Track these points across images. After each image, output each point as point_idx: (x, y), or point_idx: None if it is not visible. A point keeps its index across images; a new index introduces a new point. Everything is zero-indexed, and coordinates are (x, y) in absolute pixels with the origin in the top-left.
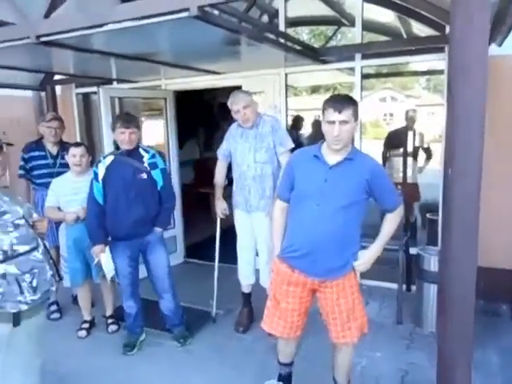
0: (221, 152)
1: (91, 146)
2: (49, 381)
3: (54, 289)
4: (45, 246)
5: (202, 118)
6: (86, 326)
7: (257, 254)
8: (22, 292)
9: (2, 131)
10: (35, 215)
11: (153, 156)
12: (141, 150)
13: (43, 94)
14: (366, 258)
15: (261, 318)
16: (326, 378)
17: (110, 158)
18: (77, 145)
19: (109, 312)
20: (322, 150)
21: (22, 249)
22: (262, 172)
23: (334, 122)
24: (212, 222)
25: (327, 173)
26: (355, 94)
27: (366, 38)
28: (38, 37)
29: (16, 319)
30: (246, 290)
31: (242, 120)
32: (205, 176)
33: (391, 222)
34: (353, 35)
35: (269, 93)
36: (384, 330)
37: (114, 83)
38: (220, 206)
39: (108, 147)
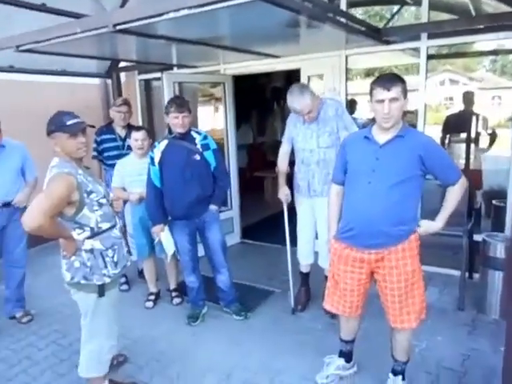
0: (284, 139)
1: (151, 129)
2: (123, 344)
3: (129, 263)
4: (124, 224)
5: (256, 102)
6: (152, 297)
7: (316, 237)
8: (105, 266)
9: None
10: (111, 194)
11: (204, 137)
12: (193, 132)
13: (109, 81)
14: (426, 224)
15: (318, 298)
16: (386, 355)
17: (165, 143)
18: (138, 129)
19: (172, 286)
20: (373, 131)
21: (104, 226)
22: (326, 157)
23: (383, 101)
24: (266, 205)
25: (378, 151)
26: (420, 76)
27: (425, 17)
28: (115, 25)
29: (101, 290)
30: (304, 269)
31: (305, 118)
32: (258, 160)
33: (454, 195)
34: (410, 14)
35: (328, 76)
36: (445, 315)
37: (175, 69)
38: (284, 193)
39: None
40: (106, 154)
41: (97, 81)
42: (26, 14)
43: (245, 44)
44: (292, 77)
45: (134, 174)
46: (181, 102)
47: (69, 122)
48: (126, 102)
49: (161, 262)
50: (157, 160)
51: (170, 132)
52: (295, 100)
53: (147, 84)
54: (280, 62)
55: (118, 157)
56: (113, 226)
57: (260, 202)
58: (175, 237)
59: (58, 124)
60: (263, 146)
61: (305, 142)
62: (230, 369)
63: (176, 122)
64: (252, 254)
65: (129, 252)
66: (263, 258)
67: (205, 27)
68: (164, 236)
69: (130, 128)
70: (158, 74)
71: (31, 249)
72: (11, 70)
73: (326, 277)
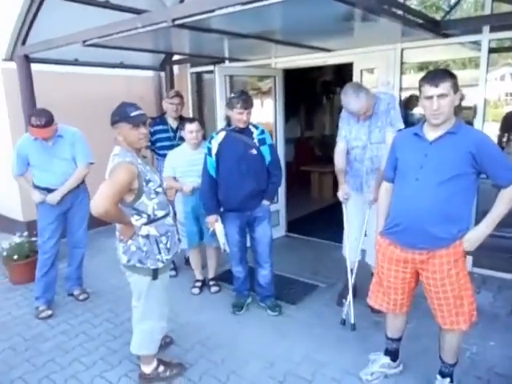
0: (339, 136)
1: (201, 122)
2: (170, 327)
3: (179, 250)
4: (174, 213)
5: (304, 96)
6: (199, 284)
7: (365, 234)
8: (159, 252)
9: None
10: (165, 183)
11: (262, 132)
12: (250, 126)
13: (162, 74)
14: (471, 237)
15: (364, 295)
16: (433, 357)
17: (222, 134)
18: (191, 121)
19: (211, 275)
20: (424, 128)
21: (160, 214)
22: (378, 153)
23: (431, 97)
24: (312, 200)
25: (427, 148)
26: (480, 71)
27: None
28: (174, 20)
29: (155, 274)
30: (350, 266)
31: (361, 118)
32: (305, 154)
33: (505, 198)
34: (469, 6)
35: (382, 69)
36: (498, 320)
37: (226, 62)
38: (344, 191)
39: (221, 122)
40: (158, 145)
41: (151, 73)
42: (91, 10)
43: (297, 38)
44: (343, 70)
45: (186, 164)
46: (247, 99)
47: (132, 114)
48: (179, 94)
49: (204, 251)
50: (214, 151)
51: (229, 124)
52: (350, 101)
53: (198, 77)
54: (332, 55)
55: (170, 147)
56: (167, 214)
57: (306, 196)
58: (226, 228)
59: (122, 114)
60: (311, 140)
61: (357, 139)
62: (273, 358)
63: (240, 117)
64: (297, 248)
65: (179, 239)
66: (308, 252)
67: (258, 21)
68: (218, 226)
69: (181, 119)
70: (209, 67)
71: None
72: (76, 63)
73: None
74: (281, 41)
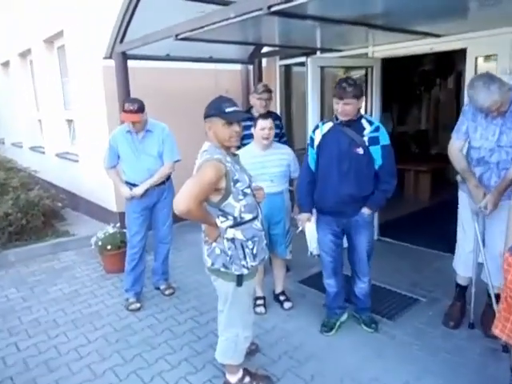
0: (458, 133)
1: (288, 117)
2: (257, 331)
3: (267, 257)
4: (261, 216)
5: (398, 87)
6: (261, 302)
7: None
8: (244, 257)
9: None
10: (254, 184)
11: (376, 129)
12: (364, 120)
13: (250, 67)
14: None
15: (476, 315)
16: None
17: (329, 125)
18: (265, 116)
19: (279, 289)
20: None
21: (247, 216)
22: (508, 157)
23: None
24: (407, 201)
25: None
26: None
27: None
28: (270, 7)
29: (239, 280)
30: (462, 282)
31: (493, 114)
32: (399, 152)
33: None
34: None
35: (503, 56)
36: None
37: (318, 53)
38: (480, 195)
39: (313, 118)
40: (244, 142)
41: (238, 67)
42: (179, 4)
43: (401, 22)
44: (444, 59)
45: (256, 167)
46: (346, 87)
47: (227, 110)
48: (268, 89)
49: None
50: (316, 142)
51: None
52: (479, 95)
53: (287, 70)
54: (440, 41)
55: None
56: (255, 218)
57: (400, 196)
58: (319, 233)
59: (217, 109)
60: (405, 136)
61: (483, 139)
62: (367, 381)
63: (336, 107)
64: (391, 254)
65: (267, 245)
66: (404, 260)
67: (358, 4)
68: (309, 227)
69: (268, 114)
70: (299, 59)
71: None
72: (168, 58)
73: (489, 295)
74: (381, 26)
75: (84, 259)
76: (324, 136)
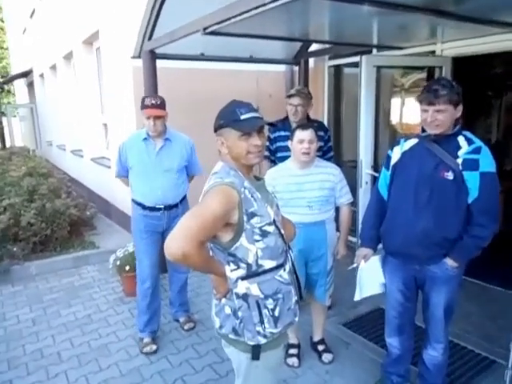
0: None
1: (337, 126)
2: None
3: (296, 319)
4: (292, 264)
5: (464, 92)
6: (294, 351)
7: None
8: (261, 321)
9: (257, 105)
10: (281, 214)
11: (476, 150)
12: (461, 137)
13: (296, 68)
14: None
15: None
16: None
17: (413, 142)
18: (304, 127)
19: (318, 336)
20: None
21: (267, 264)
22: None
23: None
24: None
25: None
26: None
27: None
28: None
29: (255, 352)
30: None
31: None
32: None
33: None
34: None
35: None
36: None
37: (374, 51)
38: None
39: (366, 125)
40: (279, 155)
41: (282, 68)
42: None
43: (485, 11)
44: None
45: (292, 189)
46: (438, 88)
47: (243, 116)
48: (300, 93)
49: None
50: (393, 161)
51: (424, 130)
52: None
53: (337, 71)
54: None
55: None
56: (279, 266)
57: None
58: (385, 278)
59: (229, 117)
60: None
61: None
62: None
63: (424, 116)
64: (466, 298)
65: (301, 296)
66: (483, 305)
67: None
68: (368, 267)
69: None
70: (350, 59)
71: None
72: (202, 57)
73: None
74: (457, 15)
75: (105, 276)
76: (404, 154)
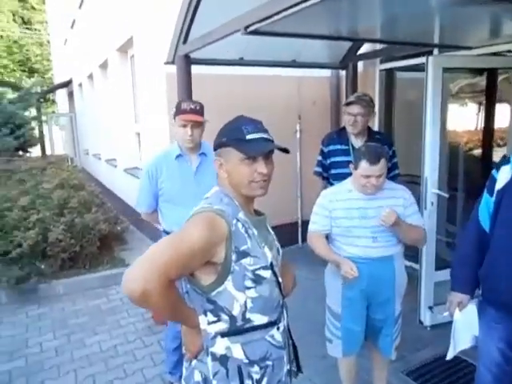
0: None
1: (389, 136)
2: None
3: None
4: (288, 323)
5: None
6: None
7: None
8: None
9: (298, 114)
10: (280, 259)
11: None
12: None
13: (342, 73)
14: None
15: None
16: None
17: None
18: (372, 160)
19: None
20: None
21: (257, 320)
22: None
23: None
24: None
25: None
26: None
27: None
28: None
29: None
30: None
31: None
32: None
33: None
34: None
35: None
36: None
37: (435, 52)
38: None
39: (432, 139)
40: (333, 172)
41: (327, 73)
42: None
43: None
44: None
45: (352, 215)
46: None
47: (249, 136)
48: (360, 100)
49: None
50: (499, 185)
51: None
52: None
53: (389, 75)
54: None
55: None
56: (272, 323)
57: None
58: (480, 333)
59: (232, 135)
60: None
61: None
62: None
63: None
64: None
65: (298, 368)
66: None
67: None
68: (464, 317)
69: (370, 136)
70: (405, 62)
71: None
72: (241, 62)
73: None
74: None
75: None
76: None
